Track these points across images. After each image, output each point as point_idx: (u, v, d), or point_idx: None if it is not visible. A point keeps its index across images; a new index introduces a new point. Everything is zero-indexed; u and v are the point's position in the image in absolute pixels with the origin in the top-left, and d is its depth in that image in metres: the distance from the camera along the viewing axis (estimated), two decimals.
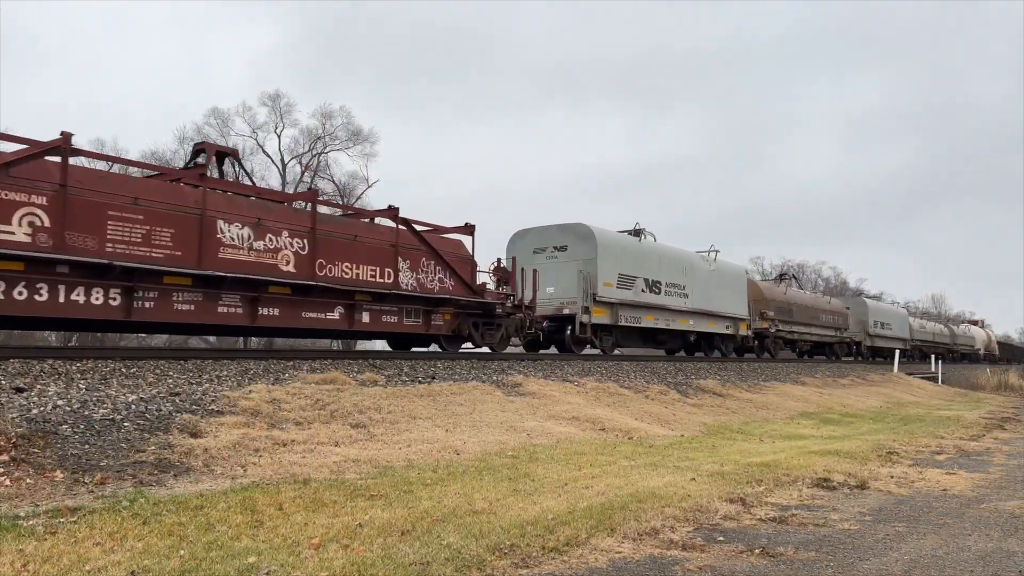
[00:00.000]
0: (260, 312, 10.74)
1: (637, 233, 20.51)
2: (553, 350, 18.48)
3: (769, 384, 18.72)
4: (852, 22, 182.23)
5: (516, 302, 15.47)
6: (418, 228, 13.36)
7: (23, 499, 4.84)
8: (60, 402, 6.84)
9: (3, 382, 7.21)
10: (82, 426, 6.41)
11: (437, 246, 13.52)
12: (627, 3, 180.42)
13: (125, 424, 6.69)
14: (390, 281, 12.48)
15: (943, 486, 6.94)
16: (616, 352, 19.48)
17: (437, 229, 14.15)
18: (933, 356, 40.03)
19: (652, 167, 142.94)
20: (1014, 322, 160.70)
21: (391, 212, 12.91)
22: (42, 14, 71.59)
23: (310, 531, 4.40)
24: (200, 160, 11.41)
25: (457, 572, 3.78)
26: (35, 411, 6.49)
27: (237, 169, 13.69)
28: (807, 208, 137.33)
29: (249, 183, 15.20)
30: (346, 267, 11.83)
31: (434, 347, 14.92)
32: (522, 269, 16.01)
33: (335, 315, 11.81)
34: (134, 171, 14.21)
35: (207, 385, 8.51)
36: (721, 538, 4.72)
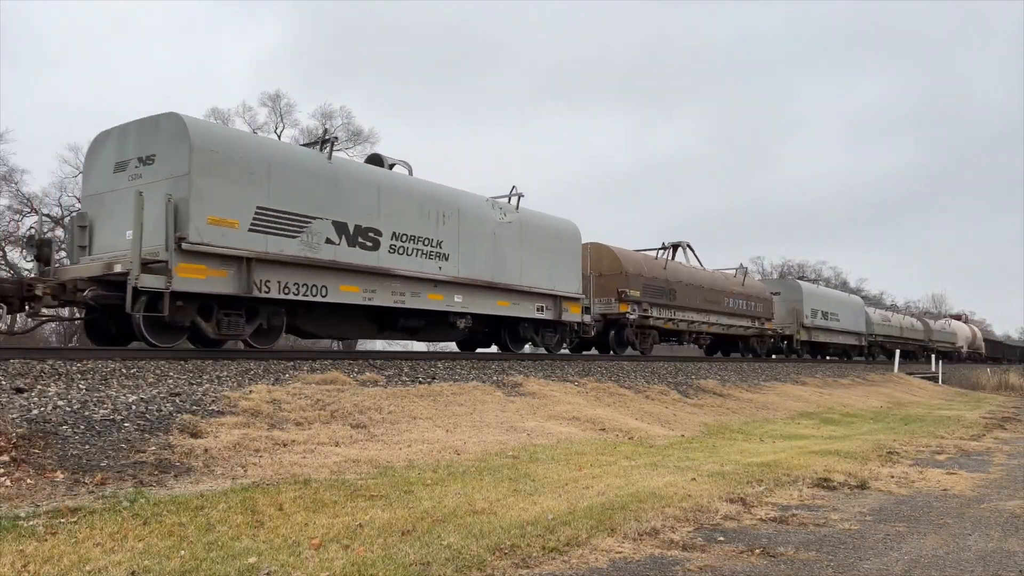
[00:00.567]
0: None
1: (323, 144, 12.54)
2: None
3: (769, 384, 18.72)
4: (853, 23, 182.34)
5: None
6: None
7: (23, 499, 4.84)
8: (60, 402, 6.84)
9: (3, 382, 7.21)
10: (82, 426, 6.41)
11: None
12: (628, 3, 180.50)
13: (125, 424, 6.69)
14: None
15: (944, 486, 6.94)
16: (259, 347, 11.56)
17: None
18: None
19: (653, 167, 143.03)
20: (1014, 322, 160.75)
21: None
22: (47, 14, 71.67)
23: (310, 531, 4.40)
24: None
25: (458, 572, 3.78)
26: (35, 411, 6.49)
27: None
28: (808, 208, 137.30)
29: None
30: None
31: None
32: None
33: None
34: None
35: (207, 385, 8.51)
36: (721, 538, 4.72)
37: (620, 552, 4.30)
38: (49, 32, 76.20)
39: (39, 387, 7.29)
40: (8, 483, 5.10)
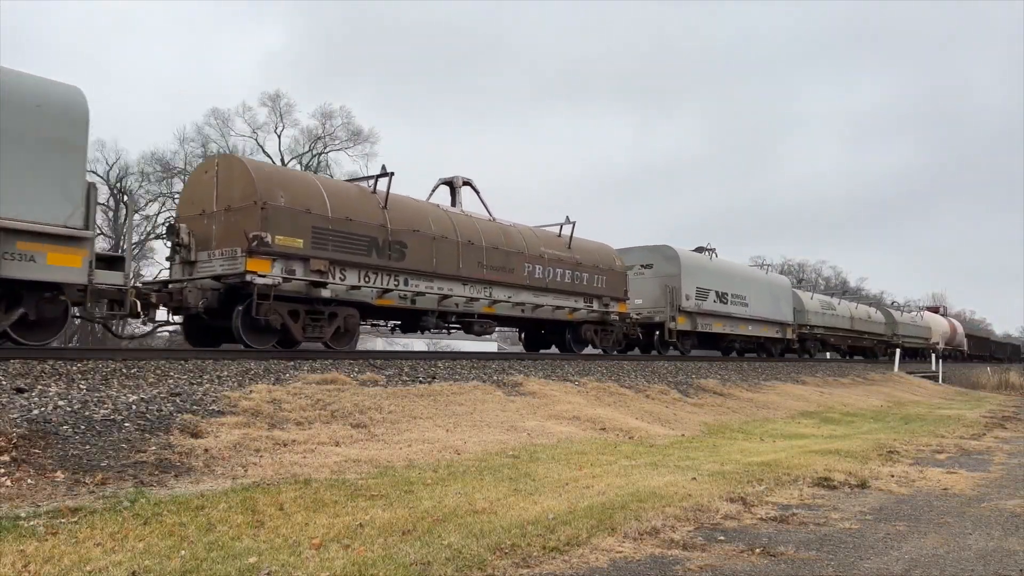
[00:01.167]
0: None
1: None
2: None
3: (770, 383, 18.71)
4: (854, 23, 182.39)
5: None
6: None
7: (24, 499, 4.84)
8: (61, 402, 6.84)
9: (4, 382, 7.21)
10: (83, 426, 6.41)
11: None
12: (629, 4, 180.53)
13: (126, 424, 6.69)
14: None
15: (944, 485, 6.94)
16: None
17: None
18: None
19: (653, 167, 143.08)
20: (1015, 321, 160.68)
21: None
22: (54, 15, 71.61)
23: (311, 531, 4.40)
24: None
25: (458, 572, 3.78)
26: (36, 411, 6.49)
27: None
28: (808, 208, 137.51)
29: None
30: None
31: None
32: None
33: None
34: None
35: (208, 385, 8.51)
36: (722, 537, 4.72)
37: (621, 552, 4.30)
38: (57, 32, 76.26)
39: (40, 387, 7.29)
40: (9, 483, 5.10)
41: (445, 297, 13.92)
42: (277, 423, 7.66)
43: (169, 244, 12.35)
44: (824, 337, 31.61)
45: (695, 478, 6.60)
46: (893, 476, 7.32)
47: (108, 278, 9.41)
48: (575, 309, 17.25)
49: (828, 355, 33.83)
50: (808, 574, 3.99)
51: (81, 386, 7.58)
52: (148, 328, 12.21)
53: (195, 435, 6.80)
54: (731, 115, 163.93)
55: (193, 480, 5.70)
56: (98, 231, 11.47)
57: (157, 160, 39.79)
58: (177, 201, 15.27)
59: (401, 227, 13.11)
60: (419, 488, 5.70)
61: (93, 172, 36.44)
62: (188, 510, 4.68)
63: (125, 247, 11.54)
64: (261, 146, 41.20)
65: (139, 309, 9.91)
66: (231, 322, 11.06)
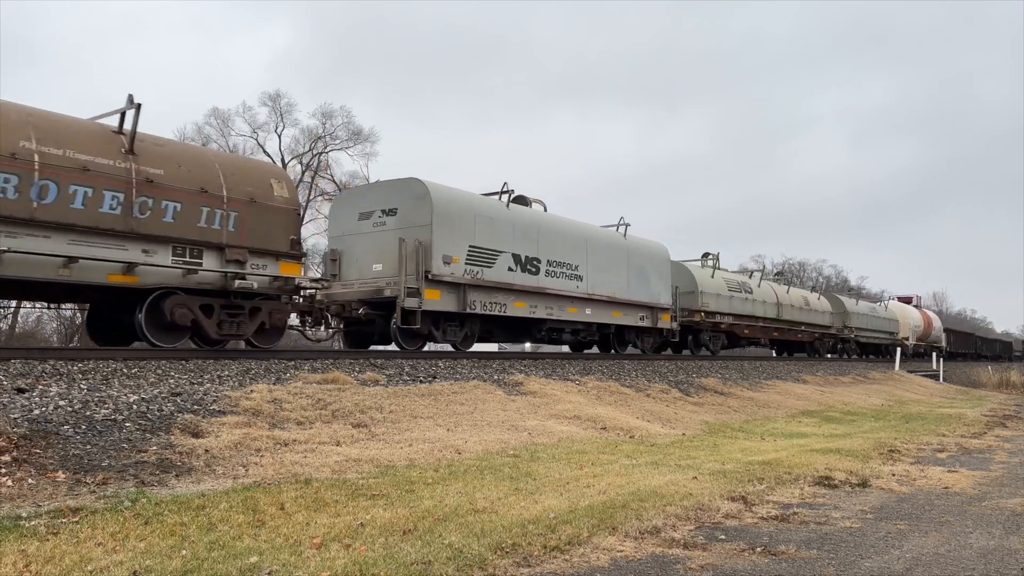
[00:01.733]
0: None
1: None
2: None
3: (770, 382, 18.71)
4: (861, 23, 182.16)
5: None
6: None
7: (25, 499, 4.85)
8: (62, 402, 6.84)
9: (5, 382, 7.22)
10: (84, 426, 6.42)
11: None
12: (637, 3, 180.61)
13: (127, 424, 6.69)
14: None
15: (945, 484, 6.94)
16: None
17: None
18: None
19: (660, 166, 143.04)
20: (1015, 320, 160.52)
21: None
22: (59, 14, 71.64)
23: (312, 531, 4.40)
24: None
25: (459, 571, 3.78)
26: (37, 411, 6.49)
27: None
28: (813, 207, 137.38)
29: None
30: None
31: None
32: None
33: None
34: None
35: (208, 385, 8.51)
36: (723, 536, 4.72)
37: (621, 551, 4.30)
38: (66, 33, 76.40)
39: (40, 387, 7.29)
40: (10, 483, 5.10)
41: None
42: (278, 423, 7.66)
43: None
44: (733, 328, 23.97)
45: (696, 477, 6.60)
46: (894, 475, 7.32)
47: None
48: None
49: (743, 351, 29.30)
50: (809, 573, 3.99)
51: (82, 386, 7.59)
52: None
53: (196, 435, 6.80)
54: (739, 115, 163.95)
55: (194, 480, 5.71)
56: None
57: None
58: None
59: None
60: (420, 487, 5.70)
61: None
62: (189, 510, 4.68)
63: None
64: (261, 146, 41.25)
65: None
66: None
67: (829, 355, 32.11)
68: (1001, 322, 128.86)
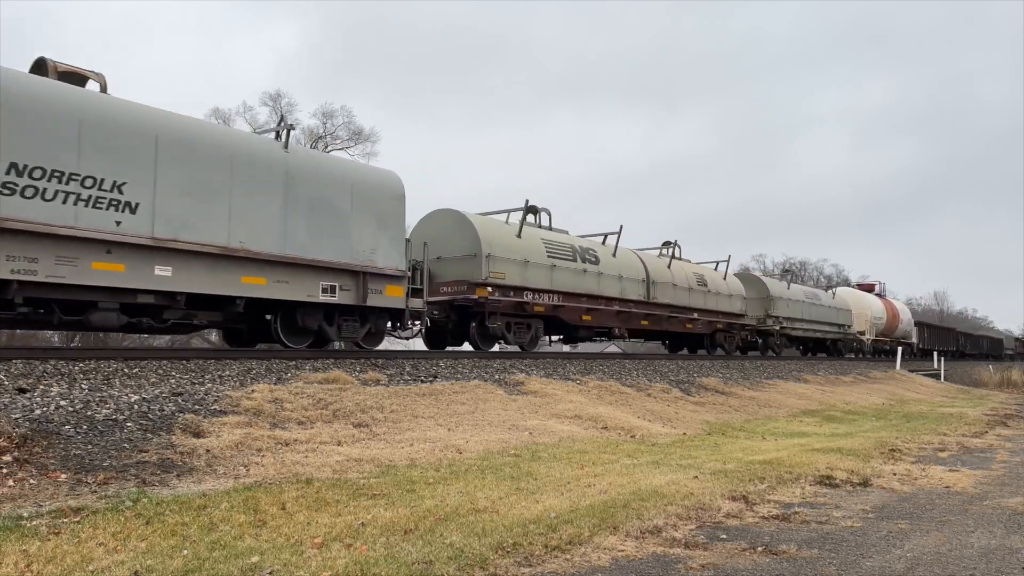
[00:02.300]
0: None
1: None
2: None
3: (771, 382, 18.71)
4: (857, 23, 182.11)
5: None
6: None
7: (26, 499, 4.85)
8: (63, 402, 6.85)
9: (6, 383, 7.22)
10: (85, 426, 6.42)
11: None
12: (638, 3, 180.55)
13: (128, 424, 6.69)
14: None
15: (946, 483, 6.93)
16: None
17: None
18: (900, 351, 29.52)
19: (661, 166, 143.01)
20: (1016, 319, 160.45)
21: None
22: (58, 14, 71.49)
23: (313, 530, 4.40)
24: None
25: (460, 571, 3.78)
26: (38, 411, 6.49)
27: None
28: (811, 206, 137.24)
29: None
30: None
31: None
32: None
33: None
34: None
35: (209, 385, 8.51)
36: (724, 536, 4.72)
37: (623, 550, 4.30)
38: (71, 33, 76.40)
39: (41, 387, 7.30)
40: (11, 483, 5.10)
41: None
42: (279, 423, 7.67)
43: None
44: (559, 312, 16.60)
45: (697, 477, 6.60)
46: (895, 474, 7.32)
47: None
48: None
49: (569, 348, 22.15)
50: (810, 572, 3.99)
51: (83, 386, 7.59)
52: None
53: (197, 435, 6.80)
54: (740, 114, 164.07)
55: (195, 480, 5.71)
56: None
57: None
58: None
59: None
60: (421, 487, 5.70)
61: None
62: (190, 510, 4.68)
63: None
64: None
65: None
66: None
67: (740, 352, 25.17)
68: (1002, 321, 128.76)
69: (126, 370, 8.51)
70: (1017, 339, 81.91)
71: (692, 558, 4.20)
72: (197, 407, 7.53)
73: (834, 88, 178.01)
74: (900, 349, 35.04)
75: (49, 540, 3.96)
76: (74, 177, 8.68)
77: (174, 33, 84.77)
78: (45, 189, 8.43)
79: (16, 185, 8.21)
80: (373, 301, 12.17)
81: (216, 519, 4.52)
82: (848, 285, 47.58)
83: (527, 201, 17.14)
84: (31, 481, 5.22)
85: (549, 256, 16.65)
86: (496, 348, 16.09)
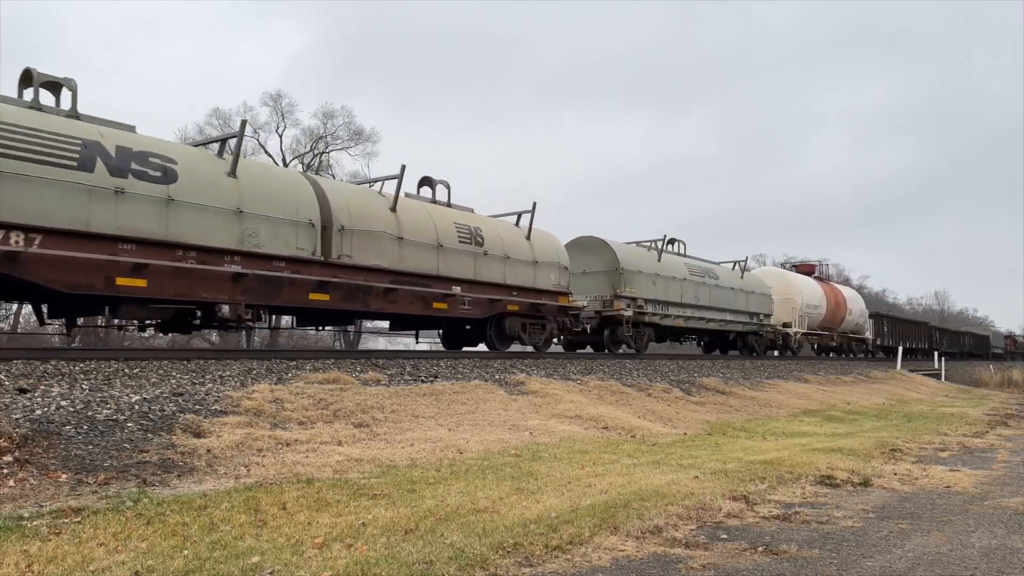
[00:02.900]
0: None
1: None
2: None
3: (772, 382, 18.70)
4: (858, 23, 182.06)
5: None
6: None
7: (27, 500, 4.85)
8: (63, 403, 6.85)
9: (7, 383, 7.22)
10: (85, 426, 6.42)
11: None
12: (640, 3, 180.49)
13: (128, 424, 6.69)
14: None
15: (947, 483, 6.93)
16: None
17: None
18: (900, 350, 28.11)
19: (663, 166, 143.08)
20: (1016, 319, 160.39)
21: None
22: (62, 14, 71.48)
23: (313, 531, 4.41)
24: None
25: (461, 571, 3.78)
26: (38, 412, 6.50)
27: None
28: (812, 206, 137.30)
29: None
30: None
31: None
32: None
33: None
34: None
35: (210, 385, 8.52)
36: (724, 536, 4.72)
37: (623, 550, 4.30)
38: (74, 34, 76.45)
39: (42, 387, 7.30)
40: (12, 483, 5.11)
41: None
42: (279, 423, 7.67)
43: None
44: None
45: (697, 476, 6.60)
46: (896, 474, 7.31)
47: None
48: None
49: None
50: (811, 572, 3.99)
51: (84, 386, 7.59)
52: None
53: (197, 435, 6.80)
54: (738, 115, 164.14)
55: (196, 480, 5.71)
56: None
57: None
58: None
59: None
60: (421, 487, 5.70)
61: None
62: (191, 510, 4.68)
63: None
64: (263, 146, 41.25)
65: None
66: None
67: (569, 348, 20.03)
68: (1003, 321, 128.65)
69: (127, 370, 8.51)
70: (1007, 336, 77.39)
71: (693, 558, 4.20)
72: (198, 407, 7.53)
73: (834, 88, 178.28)
74: (900, 348, 34.98)
75: (50, 540, 3.96)
76: None
77: (174, 33, 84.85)
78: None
79: None
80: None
81: (217, 519, 4.52)
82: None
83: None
84: (32, 481, 5.22)
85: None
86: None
